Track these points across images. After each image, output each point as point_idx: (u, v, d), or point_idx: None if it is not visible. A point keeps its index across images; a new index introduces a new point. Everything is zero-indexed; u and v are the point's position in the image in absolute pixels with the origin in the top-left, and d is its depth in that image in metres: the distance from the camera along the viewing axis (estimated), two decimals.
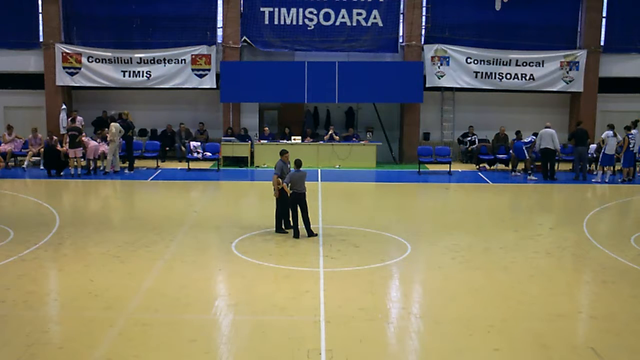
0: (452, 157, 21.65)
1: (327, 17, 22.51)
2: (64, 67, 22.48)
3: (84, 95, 23.65)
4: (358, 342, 7.19)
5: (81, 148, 19.21)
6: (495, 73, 22.70)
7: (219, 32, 22.78)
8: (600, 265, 10.35)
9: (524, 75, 22.70)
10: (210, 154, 20.95)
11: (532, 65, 22.64)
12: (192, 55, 22.45)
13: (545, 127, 19.30)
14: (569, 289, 9.36)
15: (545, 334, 7.46)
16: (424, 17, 22.74)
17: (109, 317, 7.87)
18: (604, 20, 22.97)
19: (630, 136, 18.89)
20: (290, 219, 11.99)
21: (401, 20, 22.79)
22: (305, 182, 11.92)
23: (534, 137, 19.63)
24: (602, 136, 19.23)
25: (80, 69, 22.50)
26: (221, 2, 22.55)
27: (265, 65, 22.34)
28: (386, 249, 11.34)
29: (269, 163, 20.57)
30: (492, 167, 21.55)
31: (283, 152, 12.16)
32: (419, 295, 9.15)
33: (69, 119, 21.53)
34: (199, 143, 21.38)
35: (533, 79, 22.70)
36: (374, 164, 21.79)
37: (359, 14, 22.48)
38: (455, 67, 22.62)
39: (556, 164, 19.52)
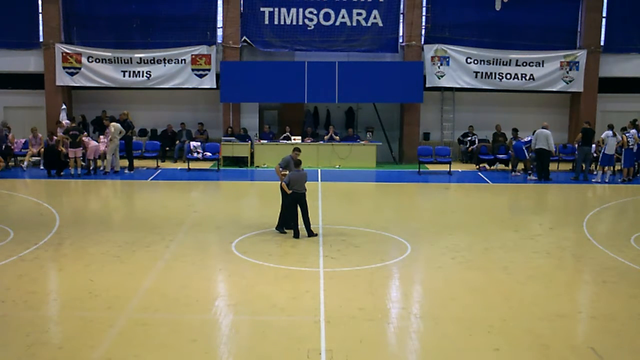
0: (452, 157, 21.63)
1: (327, 17, 22.49)
2: (64, 67, 22.47)
3: (84, 95, 23.64)
4: (358, 342, 7.18)
5: (81, 148, 19.20)
6: (495, 73, 22.70)
7: (219, 32, 22.77)
8: (600, 265, 10.35)
9: (524, 75, 22.69)
10: (210, 154, 20.93)
11: (532, 65, 22.63)
12: (192, 55, 22.43)
13: (542, 128, 19.27)
14: (569, 289, 9.36)
15: (545, 334, 7.45)
16: (424, 17, 22.74)
17: (109, 317, 7.86)
18: (604, 20, 22.97)
19: (628, 135, 18.91)
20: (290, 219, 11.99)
21: (401, 20, 22.78)
22: (306, 182, 11.93)
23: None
24: (602, 136, 19.23)
25: (80, 69, 22.49)
26: (221, 2, 22.54)
27: (265, 65, 22.33)
28: (386, 249, 11.33)
29: (269, 163, 20.59)
30: (492, 167, 21.54)
31: (295, 149, 12.17)
32: (419, 295, 9.15)
33: (76, 120, 21.56)
34: (199, 143, 21.36)
35: (533, 79, 22.70)
36: (374, 164, 21.78)
37: (359, 14, 22.47)
38: (455, 67, 22.62)
39: (556, 164, 19.49)
